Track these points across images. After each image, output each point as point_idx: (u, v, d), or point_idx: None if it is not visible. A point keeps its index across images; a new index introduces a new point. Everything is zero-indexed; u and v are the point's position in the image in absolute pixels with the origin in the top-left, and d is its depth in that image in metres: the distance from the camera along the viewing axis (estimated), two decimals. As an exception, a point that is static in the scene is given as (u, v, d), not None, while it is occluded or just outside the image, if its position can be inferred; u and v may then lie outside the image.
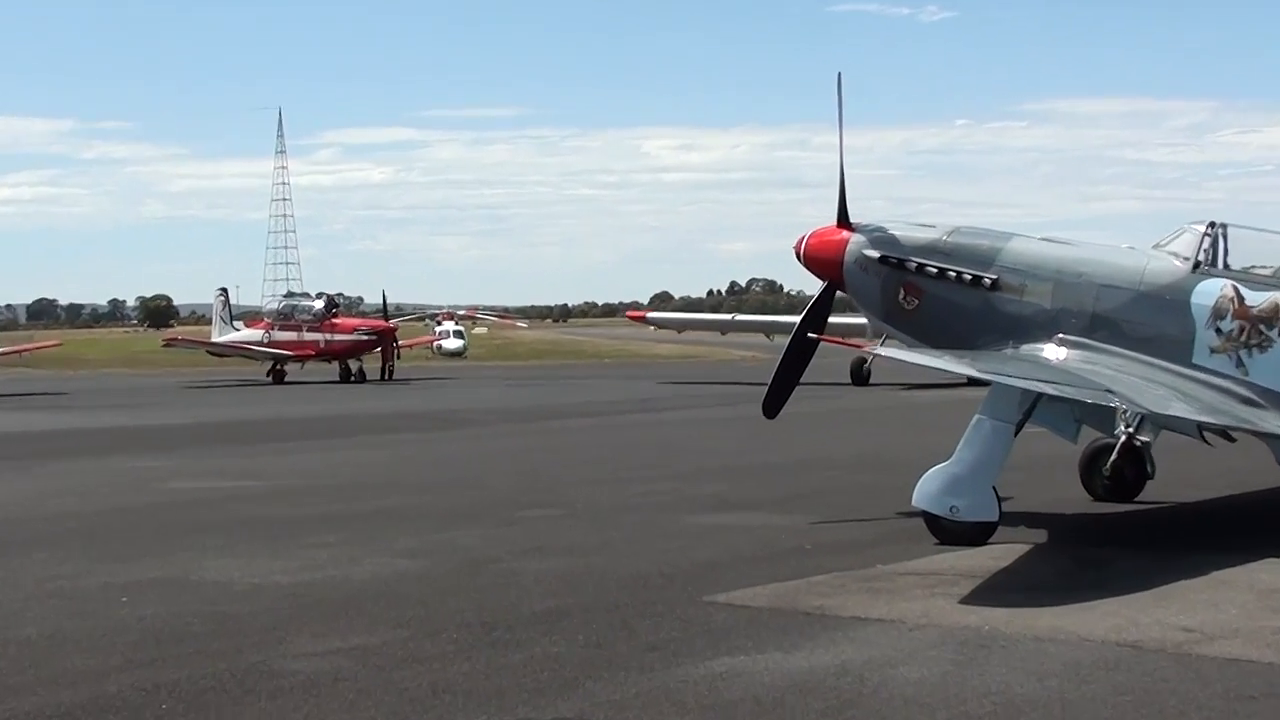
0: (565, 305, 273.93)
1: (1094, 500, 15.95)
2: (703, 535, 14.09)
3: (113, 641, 9.58)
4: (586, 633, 9.63)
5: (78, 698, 8.13)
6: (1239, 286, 13.78)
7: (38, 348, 65.92)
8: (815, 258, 15.68)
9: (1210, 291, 13.84)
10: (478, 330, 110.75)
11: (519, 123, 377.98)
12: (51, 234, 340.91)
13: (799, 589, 11.09)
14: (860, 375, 43.33)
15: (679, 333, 63.70)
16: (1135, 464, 15.95)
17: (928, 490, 12.95)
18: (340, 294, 63.15)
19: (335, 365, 56.42)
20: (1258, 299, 13.71)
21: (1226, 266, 14.03)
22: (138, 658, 9.08)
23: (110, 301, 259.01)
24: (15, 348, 62.33)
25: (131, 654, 9.19)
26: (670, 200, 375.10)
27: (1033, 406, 12.81)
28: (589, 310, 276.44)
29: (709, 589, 11.10)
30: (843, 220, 15.42)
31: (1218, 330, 13.74)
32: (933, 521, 13.00)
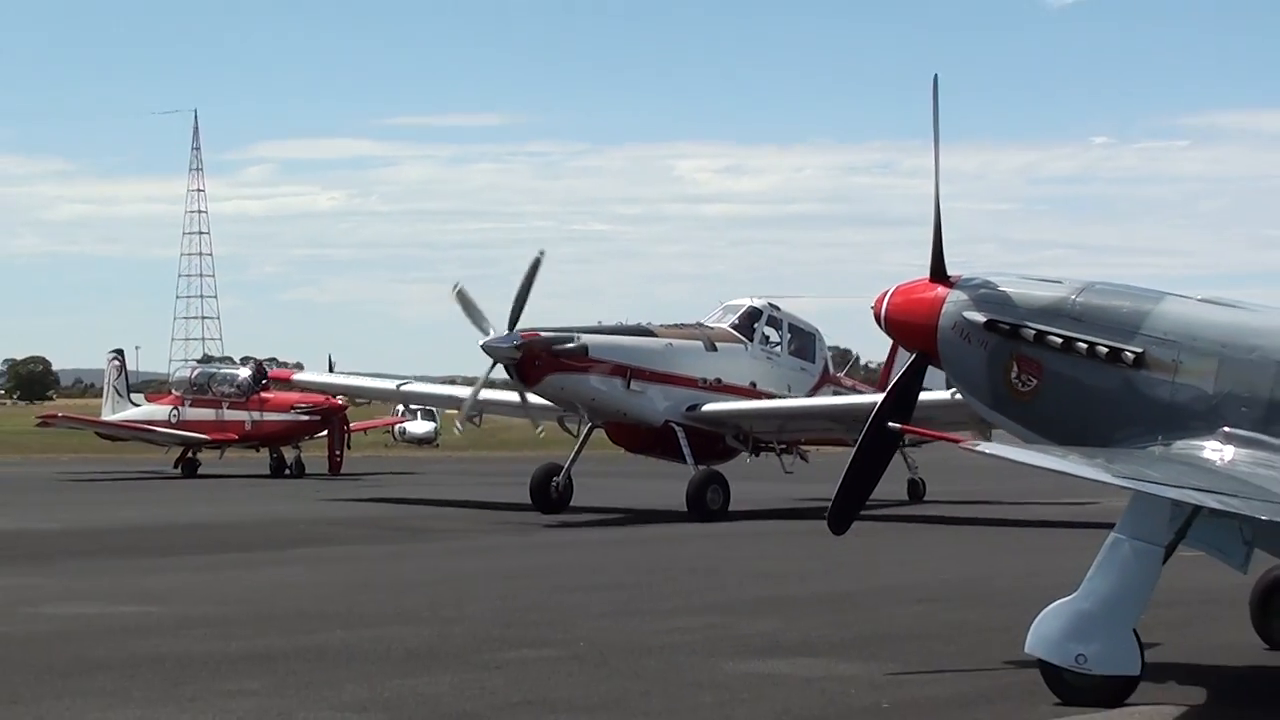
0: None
1: (1269, 649, 15.94)
2: (748, 688, 14.13)
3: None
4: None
5: None
6: None
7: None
8: (901, 321, 15.76)
9: None
10: (453, 410, 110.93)
11: (511, 135, 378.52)
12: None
13: (874, 762, 11.12)
14: (916, 488, 42.32)
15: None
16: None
17: (1047, 633, 12.96)
18: (272, 359, 63.48)
19: (265, 454, 56.69)
20: None
21: None
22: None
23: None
24: None
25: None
26: (711, 241, 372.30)
27: (1188, 523, 12.85)
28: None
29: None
30: (938, 273, 15.50)
31: None
32: (1053, 674, 12.99)
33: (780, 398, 37.43)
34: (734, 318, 38.13)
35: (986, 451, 13.07)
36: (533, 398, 36.14)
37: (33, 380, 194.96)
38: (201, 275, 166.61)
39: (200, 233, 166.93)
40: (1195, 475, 13.15)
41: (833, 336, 43.38)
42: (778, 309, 38.75)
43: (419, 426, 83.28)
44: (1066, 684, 12.92)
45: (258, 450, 57.69)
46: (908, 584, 22.26)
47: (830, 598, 20.83)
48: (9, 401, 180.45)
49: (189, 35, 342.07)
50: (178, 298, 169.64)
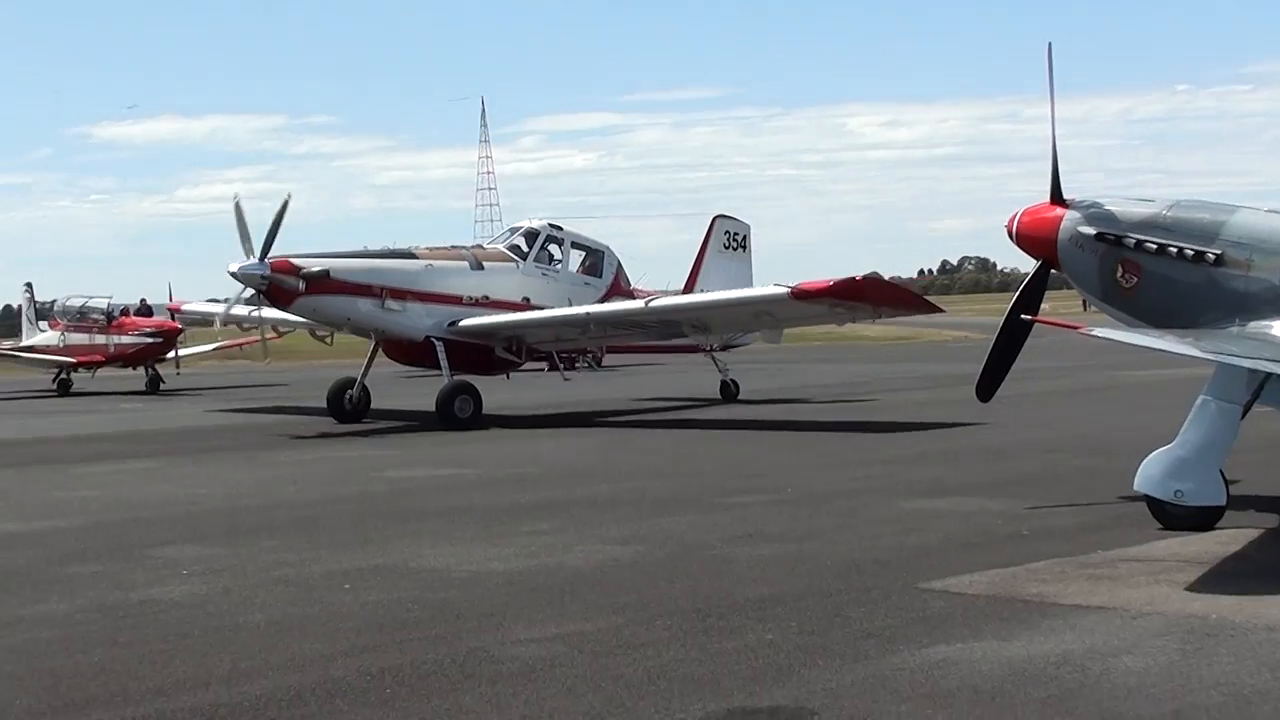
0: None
1: (1326, 483, 15.52)
2: (917, 520, 14.02)
3: (337, 627, 9.89)
4: (800, 620, 9.67)
5: (306, 681, 8.41)
6: None
7: (257, 341, 67.70)
8: (1028, 236, 15.43)
9: None
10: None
11: (722, 104, 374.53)
12: (266, 228, 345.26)
13: (1016, 576, 10.99)
14: (728, 389, 35.12)
15: None
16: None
17: (1151, 474, 12.72)
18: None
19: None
20: None
21: None
22: (361, 643, 9.36)
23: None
24: (234, 341, 64.10)
25: (355, 639, 9.48)
26: (877, 178, 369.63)
27: (1261, 386, 12.52)
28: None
29: (924, 575, 11.06)
30: (1056, 197, 15.16)
31: None
32: (1156, 506, 12.76)
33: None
34: (514, 238, 32.07)
35: (1100, 335, 12.76)
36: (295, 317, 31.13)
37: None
38: (491, 221, 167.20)
39: (489, 189, 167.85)
40: (1265, 349, 12.79)
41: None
42: (559, 229, 32.12)
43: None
44: (1167, 514, 12.68)
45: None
46: (1042, 440, 21.90)
47: (980, 451, 20.59)
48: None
49: (479, 37, 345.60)
50: (474, 238, 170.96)
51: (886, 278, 35.86)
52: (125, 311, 49.70)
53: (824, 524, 14.02)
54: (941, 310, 31.34)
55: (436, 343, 29.22)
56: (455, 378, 28.86)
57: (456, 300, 29.96)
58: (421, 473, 20.28)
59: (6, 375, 61.12)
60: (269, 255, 28.26)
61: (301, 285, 28.62)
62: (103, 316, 49.05)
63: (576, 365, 33.05)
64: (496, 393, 31.51)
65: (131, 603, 11.01)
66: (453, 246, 31.45)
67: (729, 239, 37.10)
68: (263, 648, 9.32)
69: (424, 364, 30.79)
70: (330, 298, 29.03)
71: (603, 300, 31.51)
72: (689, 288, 35.64)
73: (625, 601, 10.47)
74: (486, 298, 30.33)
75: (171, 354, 48.35)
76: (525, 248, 31.47)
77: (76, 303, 50.56)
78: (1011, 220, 15.56)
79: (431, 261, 30.21)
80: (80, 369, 49.69)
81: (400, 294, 29.44)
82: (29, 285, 55.82)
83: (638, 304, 29.84)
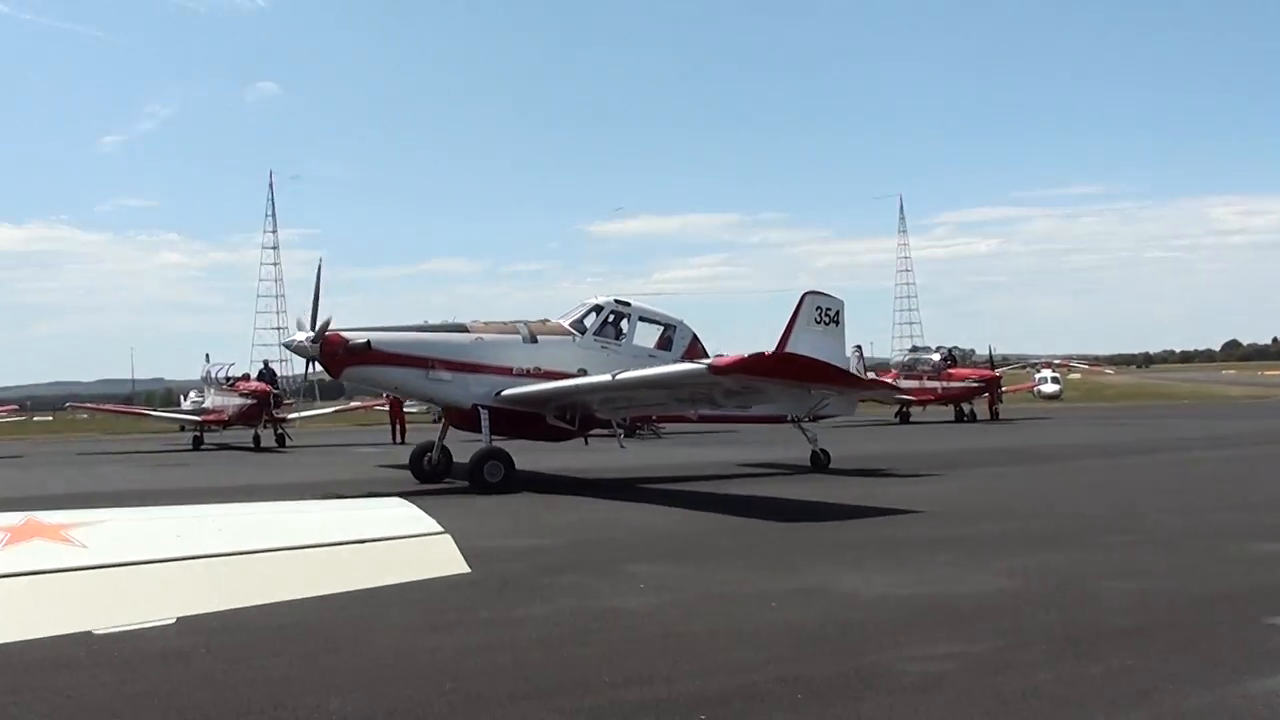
0: (1147, 353, 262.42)
1: None
2: (1264, 561, 13.20)
3: (762, 640, 9.96)
4: (1158, 648, 9.24)
5: (731, 684, 8.51)
6: None
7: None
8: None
9: None
10: (1071, 376, 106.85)
11: (1104, 198, 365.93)
12: (727, 305, 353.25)
13: (1359, 616, 10.22)
14: (818, 459, 30.11)
15: None
16: None
17: None
18: (956, 347, 63.64)
19: (951, 408, 57.33)
20: None
21: None
22: (781, 654, 9.41)
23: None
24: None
25: (776, 651, 9.53)
26: (1236, 258, 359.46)
27: None
28: (1168, 357, 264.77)
29: (1268, 612, 10.41)
30: None
31: None
32: None
33: None
34: (580, 313, 28.02)
35: None
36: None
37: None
38: (909, 297, 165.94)
39: (907, 270, 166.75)
40: None
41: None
42: (626, 305, 28.16)
43: (1049, 388, 79.92)
44: None
45: (945, 405, 57.83)
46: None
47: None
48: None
49: (898, 146, 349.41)
50: (895, 311, 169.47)
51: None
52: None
53: (1181, 563, 13.34)
54: (871, 385, 28.50)
55: (481, 410, 26.13)
56: (491, 444, 25.61)
57: (507, 371, 26.68)
58: (824, 496, 20.22)
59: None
60: (320, 327, 25.60)
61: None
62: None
63: (638, 432, 28.26)
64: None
65: (598, 609, 11.36)
66: (511, 321, 27.61)
67: (820, 314, 32.01)
68: (699, 653, 9.49)
69: (477, 430, 26.72)
70: (374, 368, 26.18)
71: None
72: (781, 347, 31.28)
73: (1007, 626, 10.21)
74: (538, 368, 26.85)
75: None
76: (588, 322, 27.83)
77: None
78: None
79: (482, 335, 26.89)
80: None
81: (451, 365, 26.36)
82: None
83: (606, 377, 25.95)
